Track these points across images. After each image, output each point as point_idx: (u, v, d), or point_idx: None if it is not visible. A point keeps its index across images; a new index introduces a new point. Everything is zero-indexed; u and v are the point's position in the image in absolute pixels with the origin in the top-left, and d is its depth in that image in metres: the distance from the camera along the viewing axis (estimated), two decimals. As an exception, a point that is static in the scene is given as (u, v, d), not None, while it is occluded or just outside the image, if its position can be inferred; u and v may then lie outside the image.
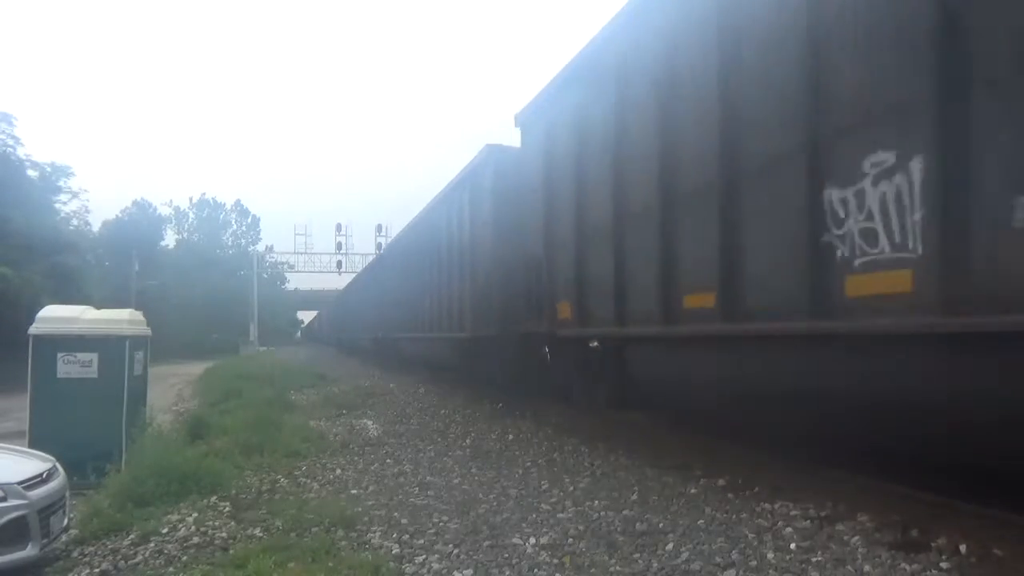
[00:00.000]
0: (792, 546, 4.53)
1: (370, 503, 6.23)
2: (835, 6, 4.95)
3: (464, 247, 14.14)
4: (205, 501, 6.20)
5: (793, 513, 5.19)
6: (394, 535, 5.22)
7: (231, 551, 4.92)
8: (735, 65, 6.00)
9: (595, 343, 8.95)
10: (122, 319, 8.30)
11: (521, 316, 11.19)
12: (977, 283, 3.98)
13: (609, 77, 8.17)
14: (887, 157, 4.51)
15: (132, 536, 5.33)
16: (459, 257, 14.52)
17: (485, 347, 13.04)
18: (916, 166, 4.29)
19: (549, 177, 10.00)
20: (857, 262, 4.72)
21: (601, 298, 8.42)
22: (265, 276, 71.52)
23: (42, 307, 8.54)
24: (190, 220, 76.19)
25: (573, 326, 9.22)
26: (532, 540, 4.96)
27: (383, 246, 41.87)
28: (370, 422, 11.77)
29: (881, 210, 4.54)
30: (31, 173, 33.48)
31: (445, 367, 18.16)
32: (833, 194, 4.94)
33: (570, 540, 4.95)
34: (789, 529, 4.85)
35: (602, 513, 5.57)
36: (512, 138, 11.83)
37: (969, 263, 4.01)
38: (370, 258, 43.94)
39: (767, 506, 5.42)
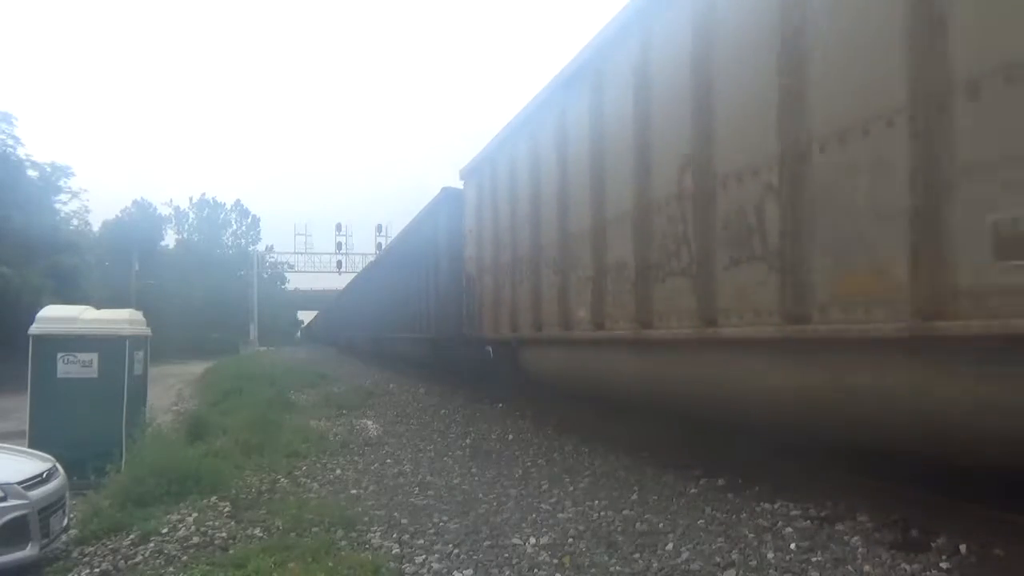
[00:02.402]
0: (792, 546, 4.53)
1: (370, 503, 6.23)
2: None
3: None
4: (205, 501, 6.20)
5: (793, 513, 5.18)
6: (394, 535, 5.22)
7: (231, 551, 4.93)
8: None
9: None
10: (122, 319, 8.31)
11: None
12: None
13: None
14: None
15: (132, 536, 5.34)
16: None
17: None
18: None
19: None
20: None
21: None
22: (265, 276, 71.48)
23: (42, 307, 8.54)
24: (190, 220, 76.10)
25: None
26: (532, 540, 4.96)
27: (383, 246, 41.90)
28: (370, 422, 11.77)
29: None
30: (31, 173, 33.34)
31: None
32: None
33: (570, 540, 4.95)
34: (789, 529, 4.85)
35: (602, 513, 5.57)
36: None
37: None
38: (370, 258, 43.94)
39: (767, 506, 5.41)
